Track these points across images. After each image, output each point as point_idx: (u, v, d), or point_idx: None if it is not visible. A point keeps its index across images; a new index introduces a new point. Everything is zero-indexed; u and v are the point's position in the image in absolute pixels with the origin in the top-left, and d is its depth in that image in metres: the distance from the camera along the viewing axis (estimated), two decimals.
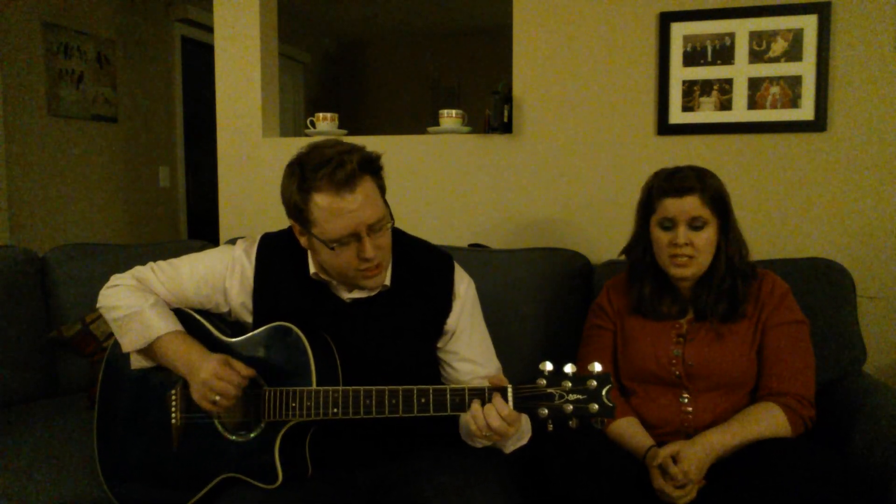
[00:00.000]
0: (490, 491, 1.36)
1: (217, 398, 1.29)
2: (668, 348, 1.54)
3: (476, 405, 1.22)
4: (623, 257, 1.65)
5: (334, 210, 1.26)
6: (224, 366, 1.30)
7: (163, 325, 1.37)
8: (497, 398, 1.22)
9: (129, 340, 1.39)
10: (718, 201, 1.49)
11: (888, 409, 1.50)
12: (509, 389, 1.22)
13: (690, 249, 1.47)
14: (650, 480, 1.39)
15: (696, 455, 1.37)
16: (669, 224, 1.49)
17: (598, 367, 1.19)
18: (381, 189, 1.34)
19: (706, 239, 1.48)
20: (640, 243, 1.58)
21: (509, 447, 1.40)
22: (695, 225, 1.47)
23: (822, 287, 1.76)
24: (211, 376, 1.28)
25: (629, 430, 1.50)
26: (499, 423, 1.21)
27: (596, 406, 1.17)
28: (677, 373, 1.52)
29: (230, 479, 1.36)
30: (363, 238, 1.28)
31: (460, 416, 1.40)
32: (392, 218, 1.35)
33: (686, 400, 1.51)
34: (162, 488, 1.42)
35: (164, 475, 1.41)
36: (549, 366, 1.20)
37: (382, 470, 1.42)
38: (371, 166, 1.30)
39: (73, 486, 1.54)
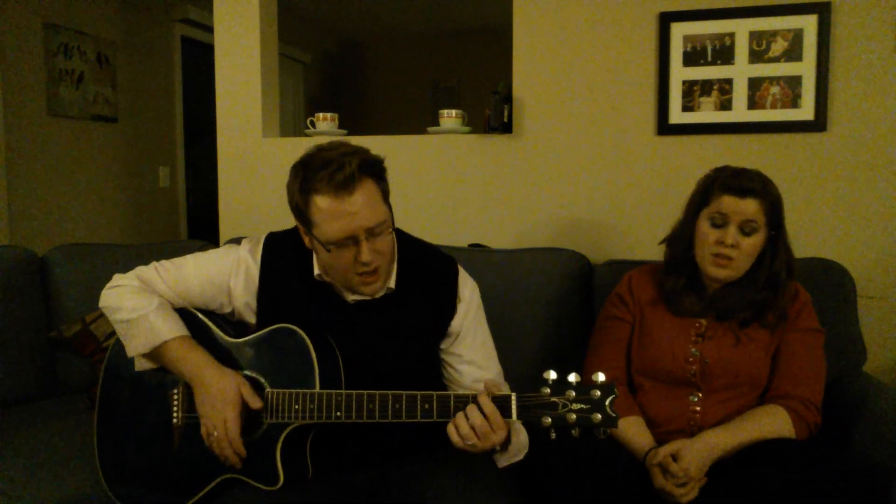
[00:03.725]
0: (490, 492, 1.35)
1: (212, 433, 1.31)
2: (686, 346, 1.53)
3: (460, 417, 1.22)
4: (650, 248, 1.62)
5: (332, 212, 1.26)
6: (233, 408, 1.30)
7: (168, 329, 1.37)
8: (483, 398, 1.21)
9: (135, 345, 1.39)
10: (775, 210, 1.48)
11: (888, 409, 1.51)
12: (513, 398, 1.21)
13: (735, 252, 1.45)
14: (651, 482, 1.39)
15: (696, 453, 1.37)
16: (721, 221, 1.47)
17: (601, 376, 1.19)
18: (384, 193, 1.34)
19: (753, 245, 1.46)
20: (686, 236, 1.55)
21: (503, 462, 1.38)
22: (745, 229, 1.46)
23: (822, 287, 1.76)
24: (218, 420, 1.30)
25: (631, 429, 1.50)
26: (481, 421, 1.20)
27: (599, 416, 1.17)
28: (693, 371, 1.51)
29: (230, 480, 1.36)
30: (361, 241, 1.28)
31: None
32: (394, 223, 1.35)
33: (696, 399, 1.51)
34: (162, 488, 1.42)
35: (164, 475, 1.41)
36: (552, 374, 1.20)
37: (383, 472, 1.42)
38: (372, 169, 1.30)
39: (73, 486, 1.54)
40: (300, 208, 1.31)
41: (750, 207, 1.45)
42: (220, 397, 1.30)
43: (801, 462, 1.30)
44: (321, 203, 1.27)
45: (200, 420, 1.33)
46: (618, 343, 1.61)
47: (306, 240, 1.37)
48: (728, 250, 1.45)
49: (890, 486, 1.31)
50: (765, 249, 1.49)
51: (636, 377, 1.59)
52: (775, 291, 1.50)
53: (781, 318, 1.51)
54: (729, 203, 1.46)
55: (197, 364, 1.35)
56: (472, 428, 1.20)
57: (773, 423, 1.43)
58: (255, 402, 1.31)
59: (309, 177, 1.27)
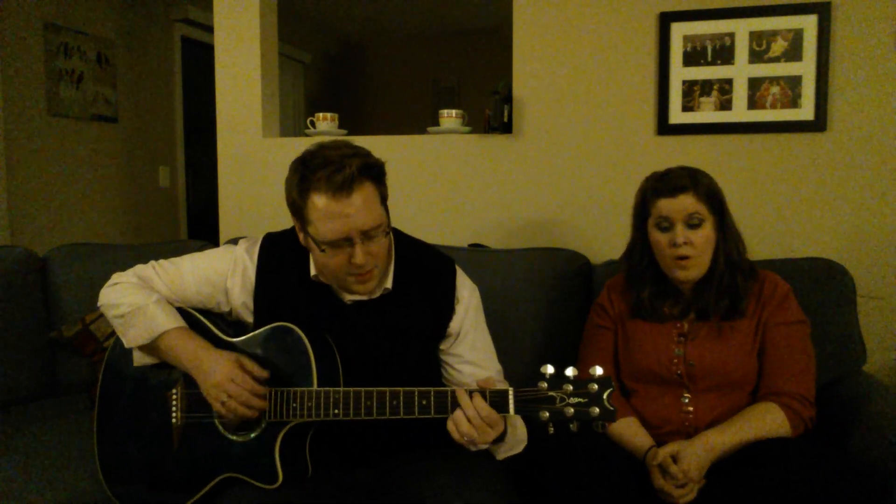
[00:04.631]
0: (490, 491, 1.35)
1: (226, 399, 1.29)
2: (670, 348, 1.54)
3: (458, 414, 1.22)
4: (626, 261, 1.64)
5: (329, 212, 1.26)
6: (238, 368, 1.30)
7: (167, 320, 1.38)
8: (477, 398, 1.22)
9: (133, 336, 1.39)
10: (712, 198, 1.50)
11: (888, 409, 1.50)
12: (510, 392, 1.22)
13: (690, 249, 1.47)
14: (650, 481, 1.40)
15: (695, 454, 1.37)
16: (667, 224, 1.50)
17: (599, 370, 1.19)
18: (382, 196, 1.34)
19: (704, 237, 1.48)
20: (638, 247, 1.59)
21: (501, 454, 1.40)
22: (691, 223, 1.48)
23: (822, 287, 1.76)
24: (225, 379, 1.29)
25: (629, 430, 1.50)
26: (478, 421, 1.21)
27: (597, 410, 1.17)
28: (678, 372, 1.52)
29: (230, 479, 1.36)
30: (356, 244, 1.28)
31: None
32: (390, 227, 1.35)
33: (687, 400, 1.51)
34: (162, 488, 1.42)
35: (163, 475, 1.41)
36: (550, 369, 1.20)
37: (382, 470, 1.42)
38: (372, 172, 1.30)
39: (73, 486, 1.53)
40: (297, 205, 1.31)
41: (686, 202, 1.47)
42: (220, 370, 1.30)
43: (801, 462, 1.30)
44: (318, 202, 1.27)
45: (210, 402, 1.32)
46: (604, 351, 1.63)
47: (301, 237, 1.37)
48: (683, 249, 1.47)
49: (889, 486, 1.31)
50: (717, 237, 1.51)
51: (627, 382, 1.60)
52: (734, 271, 1.52)
53: (756, 302, 1.53)
54: (665, 205, 1.49)
55: (195, 351, 1.35)
56: (469, 420, 1.20)
57: (768, 420, 1.44)
58: (260, 372, 1.31)
59: (308, 175, 1.27)
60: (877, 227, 2.03)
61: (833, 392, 1.64)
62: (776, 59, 2.07)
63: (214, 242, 2.34)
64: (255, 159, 2.57)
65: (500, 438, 1.32)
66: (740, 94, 2.10)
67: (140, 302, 1.39)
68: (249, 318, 1.46)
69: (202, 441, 1.37)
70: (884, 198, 2.02)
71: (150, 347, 1.40)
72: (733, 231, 1.54)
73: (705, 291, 1.53)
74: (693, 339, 1.53)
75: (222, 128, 2.61)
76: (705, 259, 1.50)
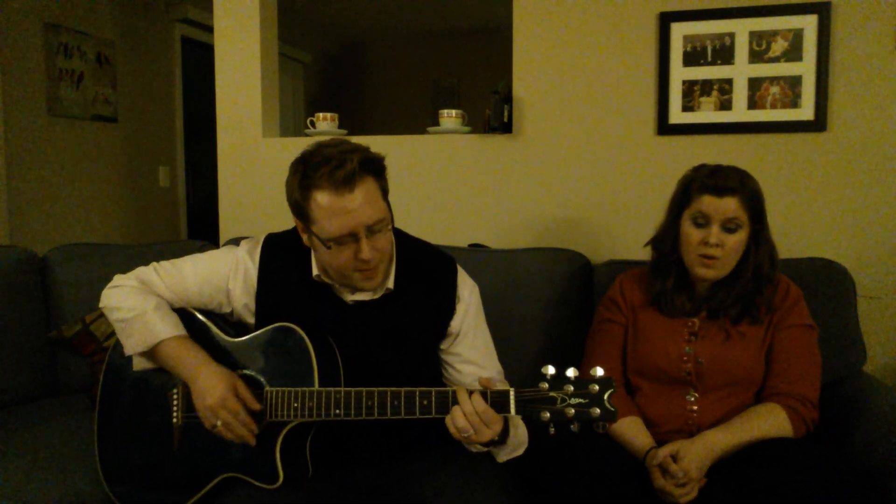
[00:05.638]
0: (490, 491, 1.36)
1: (217, 423, 1.30)
2: (680, 345, 1.54)
3: (455, 409, 1.22)
4: (649, 248, 1.62)
5: (333, 209, 1.26)
6: (232, 395, 1.29)
7: (165, 329, 1.37)
8: (476, 396, 1.22)
9: (132, 344, 1.39)
10: (754, 206, 1.48)
11: (888, 409, 1.50)
12: (511, 393, 1.22)
13: (719, 251, 1.46)
14: (651, 481, 1.39)
15: (696, 453, 1.37)
16: (703, 221, 1.47)
17: (599, 371, 1.19)
18: (384, 191, 1.34)
19: (737, 242, 1.47)
20: (670, 237, 1.55)
21: (503, 456, 1.40)
22: (728, 226, 1.46)
23: (822, 287, 1.76)
24: (218, 404, 1.29)
25: (631, 430, 1.50)
26: (474, 418, 1.20)
27: (598, 410, 1.17)
28: (688, 370, 1.52)
29: (230, 479, 1.36)
30: (361, 239, 1.28)
31: None
32: (393, 221, 1.35)
33: (693, 399, 1.51)
34: (162, 488, 1.42)
35: (164, 475, 1.41)
36: (551, 369, 1.20)
37: (383, 470, 1.42)
38: (372, 167, 1.30)
39: (73, 486, 1.53)
40: (299, 204, 1.31)
41: (730, 205, 1.45)
42: (214, 393, 1.30)
43: (802, 462, 1.30)
44: (321, 199, 1.27)
45: (201, 418, 1.33)
46: (613, 346, 1.62)
47: (304, 237, 1.37)
48: (713, 250, 1.46)
49: (890, 486, 1.31)
50: (749, 244, 1.49)
51: (633, 379, 1.60)
52: (759, 283, 1.50)
53: (769, 309, 1.52)
54: (709, 203, 1.46)
55: (193, 363, 1.34)
56: (465, 415, 1.20)
57: (771, 421, 1.44)
58: (254, 404, 1.31)
59: (309, 173, 1.27)
60: (877, 227, 2.03)
61: (833, 392, 1.64)
62: (776, 59, 2.07)
63: (214, 242, 2.34)
64: (255, 159, 2.57)
65: (502, 440, 1.32)
66: (740, 94, 2.10)
67: (139, 308, 1.39)
68: (251, 319, 1.46)
69: (203, 441, 1.37)
70: (884, 198, 2.02)
71: (148, 354, 1.40)
72: (769, 243, 1.51)
73: (720, 292, 1.52)
74: (703, 337, 1.53)
75: (222, 128, 2.61)
76: (731, 263, 1.48)
